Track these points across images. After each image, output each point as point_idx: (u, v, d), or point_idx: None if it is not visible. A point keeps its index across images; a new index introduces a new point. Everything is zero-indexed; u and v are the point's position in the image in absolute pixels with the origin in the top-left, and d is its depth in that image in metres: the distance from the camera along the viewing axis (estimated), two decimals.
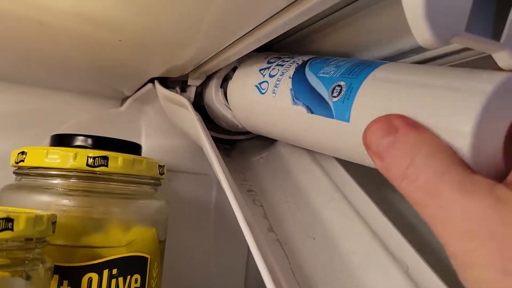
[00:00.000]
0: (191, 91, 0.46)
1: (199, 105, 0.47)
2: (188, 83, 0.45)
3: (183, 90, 0.46)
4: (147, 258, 0.37)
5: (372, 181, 0.35)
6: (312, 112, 0.30)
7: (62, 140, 0.41)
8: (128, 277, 0.35)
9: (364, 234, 0.34)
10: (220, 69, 0.43)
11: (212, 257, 0.57)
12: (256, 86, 0.37)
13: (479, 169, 0.19)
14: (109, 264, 0.35)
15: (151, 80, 0.47)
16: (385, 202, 0.38)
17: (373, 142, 0.22)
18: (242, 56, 0.36)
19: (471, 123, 0.20)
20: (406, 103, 0.23)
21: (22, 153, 0.37)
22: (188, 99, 0.42)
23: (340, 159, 0.37)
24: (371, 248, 0.33)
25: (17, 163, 0.38)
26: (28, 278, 0.29)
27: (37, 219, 0.29)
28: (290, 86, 0.32)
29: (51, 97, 0.53)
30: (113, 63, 0.43)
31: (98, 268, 0.34)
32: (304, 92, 0.31)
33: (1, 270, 0.28)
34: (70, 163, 0.35)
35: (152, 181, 0.40)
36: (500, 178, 0.19)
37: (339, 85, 0.28)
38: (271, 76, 0.35)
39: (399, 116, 0.22)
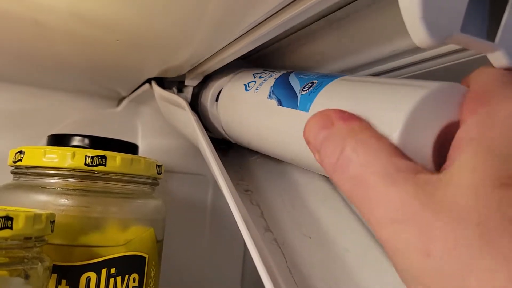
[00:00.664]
0: (188, 92, 0.46)
1: (195, 106, 0.47)
2: (185, 84, 0.45)
3: (180, 90, 0.47)
4: (145, 258, 0.37)
5: None
6: (281, 104, 0.30)
7: (59, 140, 0.41)
8: (126, 276, 0.35)
9: (360, 232, 0.35)
10: (219, 80, 0.43)
11: (208, 257, 0.57)
12: (244, 84, 0.37)
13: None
14: (107, 264, 0.35)
15: (148, 81, 0.47)
16: None
17: (311, 136, 0.22)
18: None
19: (403, 115, 0.20)
20: (354, 97, 0.24)
21: (20, 152, 0.37)
22: (185, 99, 0.42)
23: None
24: (367, 246, 0.34)
25: (15, 162, 0.38)
26: (26, 277, 0.29)
27: (36, 218, 0.29)
28: (271, 84, 0.33)
29: (47, 96, 0.53)
30: (110, 63, 0.43)
31: (96, 267, 0.34)
32: (281, 88, 0.32)
33: (0, 269, 0.28)
34: (68, 163, 0.35)
35: (150, 181, 0.40)
36: None
37: (312, 82, 0.29)
38: (260, 77, 0.36)
39: (335, 110, 0.22)
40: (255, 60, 0.47)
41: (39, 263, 0.30)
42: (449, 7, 0.19)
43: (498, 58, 0.20)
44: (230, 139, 0.43)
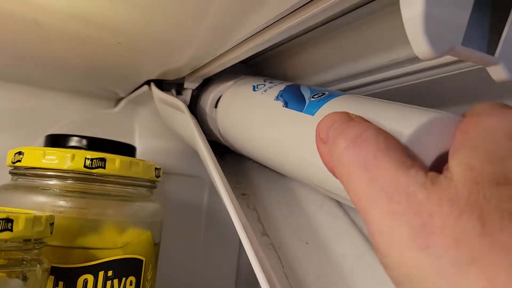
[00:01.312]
0: (187, 94, 0.46)
1: (194, 108, 0.47)
2: (184, 86, 0.45)
3: (179, 92, 0.47)
4: (142, 261, 0.37)
5: None
6: (287, 106, 0.31)
7: (56, 140, 0.41)
8: (123, 279, 0.36)
9: (356, 237, 0.35)
10: (219, 85, 0.43)
11: (203, 258, 0.57)
12: (253, 85, 0.37)
13: None
14: (105, 266, 0.35)
15: (147, 82, 0.47)
16: None
17: (327, 125, 0.23)
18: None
19: (411, 128, 0.21)
20: (364, 109, 0.24)
21: (19, 153, 0.37)
22: (184, 102, 0.42)
23: None
24: (362, 251, 0.34)
25: (13, 163, 0.38)
26: (24, 279, 0.29)
27: (35, 220, 0.29)
28: (281, 89, 0.34)
29: (45, 96, 0.53)
30: (109, 65, 0.43)
31: (93, 270, 0.34)
32: (290, 93, 0.32)
33: None
34: (67, 164, 0.35)
35: (148, 184, 0.40)
36: None
37: (322, 93, 0.29)
38: (270, 82, 0.36)
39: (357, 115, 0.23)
40: (254, 65, 0.48)
41: (38, 265, 0.30)
42: (451, 21, 0.19)
43: (497, 72, 0.21)
44: (227, 145, 0.43)
